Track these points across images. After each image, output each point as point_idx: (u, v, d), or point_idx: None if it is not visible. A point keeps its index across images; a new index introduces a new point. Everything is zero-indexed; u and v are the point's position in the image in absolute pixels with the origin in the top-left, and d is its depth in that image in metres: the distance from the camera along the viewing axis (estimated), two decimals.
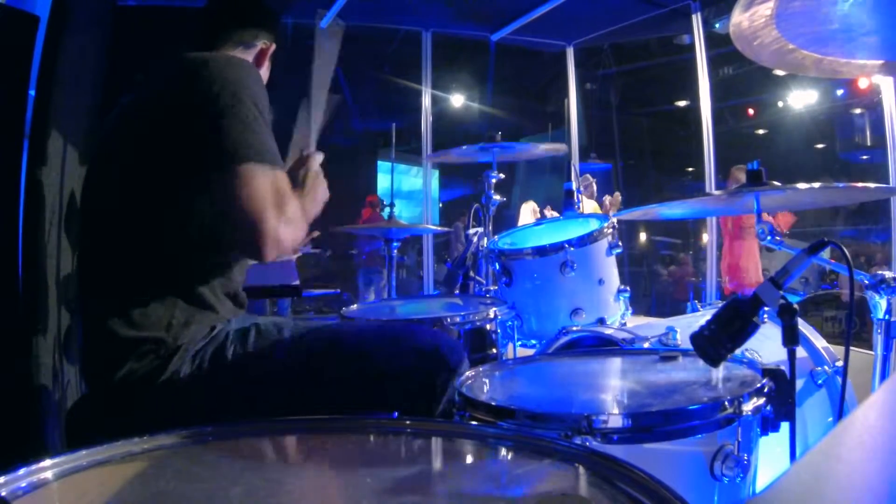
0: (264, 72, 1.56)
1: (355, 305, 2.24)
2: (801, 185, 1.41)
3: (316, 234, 8.37)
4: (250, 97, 1.26)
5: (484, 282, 2.69)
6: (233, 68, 1.29)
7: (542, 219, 4.98)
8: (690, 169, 11.96)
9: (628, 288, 2.21)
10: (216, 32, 1.49)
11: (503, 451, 0.88)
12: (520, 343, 2.24)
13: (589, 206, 5.61)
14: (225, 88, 1.24)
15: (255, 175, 1.21)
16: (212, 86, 1.24)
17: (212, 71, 1.26)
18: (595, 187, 6.29)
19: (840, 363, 1.70)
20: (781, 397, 1.09)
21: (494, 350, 1.90)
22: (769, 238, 1.45)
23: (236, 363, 1.29)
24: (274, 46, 1.56)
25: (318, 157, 1.57)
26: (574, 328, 1.93)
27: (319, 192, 1.53)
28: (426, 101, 6.02)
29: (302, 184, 1.49)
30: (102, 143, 1.44)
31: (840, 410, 1.38)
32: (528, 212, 6.19)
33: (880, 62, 1.09)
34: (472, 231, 2.72)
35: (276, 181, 1.25)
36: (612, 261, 2.19)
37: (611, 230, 2.16)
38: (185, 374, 1.26)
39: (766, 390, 1.08)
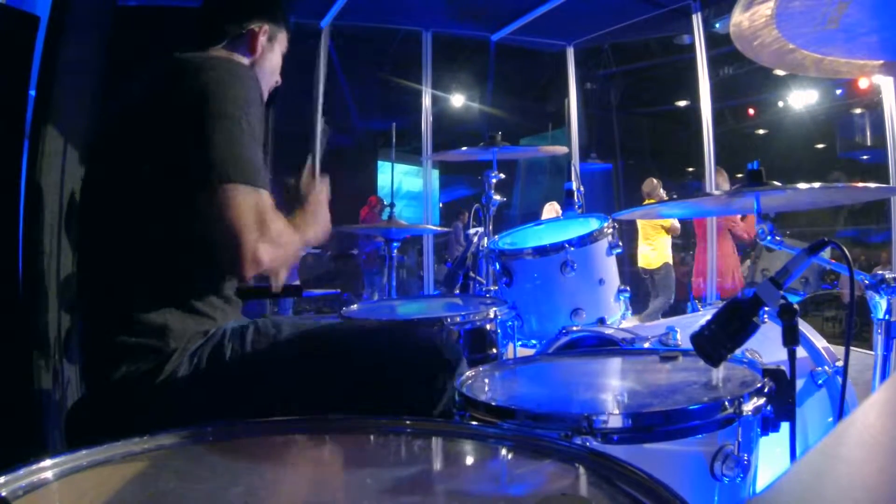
0: (268, 55, 1.53)
1: (355, 305, 2.24)
2: (801, 185, 1.41)
3: None
4: (241, 110, 1.23)
5: (484, 282, 2.69)
6: (226, 77, 1.26)
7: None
8: (690, 169, 11.96)
9: (628, 288, 2.21)
10: (210, 27, 1.46)
11: (503, 452, 0.88)
12: (520, 343, 2.24)
13: None
14: (215, 100, 1.22)
15: (237, 195, 1.20)
16: (201, 96, 1.22)
17: (202, 79, 1.24)
18: (662, 192, 6.36)
19: (840, 363, 1.70)
20: (782, 397, 1.09)
21: (494, 350, 1.90)
22: (769, 238, 1.44)
23: (234, 362, 1.29)
24: (267, 27, 1.51)
25: (325, 184, 1.55)
26: (574, 328, 1.93)
27: (321, 216, 1.51)
28: (426, 101, 6.02)
29: (303, 203, 1.47)
30: (95, 146, 1.43)
31: (840, 410, 1.38)
32: (551, 212, 6.26)
33: (880, 62, 1.09)
34: (472, 231, 2.72)
35: (259, 201, 1.23)
36: (613, 261, 2.19)
37: (611, 230, 2.16)
38: (182, 374, 1.26)
39: (766, 390, 1.08)
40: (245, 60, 1.49)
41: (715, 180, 5.46)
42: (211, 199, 1.20)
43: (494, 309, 1.90)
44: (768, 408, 1.07)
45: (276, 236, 1.27)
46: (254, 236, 1.21)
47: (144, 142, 1.27)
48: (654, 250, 6.46)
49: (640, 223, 6.50)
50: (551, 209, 6.36)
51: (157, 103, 1.28)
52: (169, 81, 1.28)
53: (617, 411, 1.04)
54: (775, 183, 1.40)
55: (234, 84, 1.26)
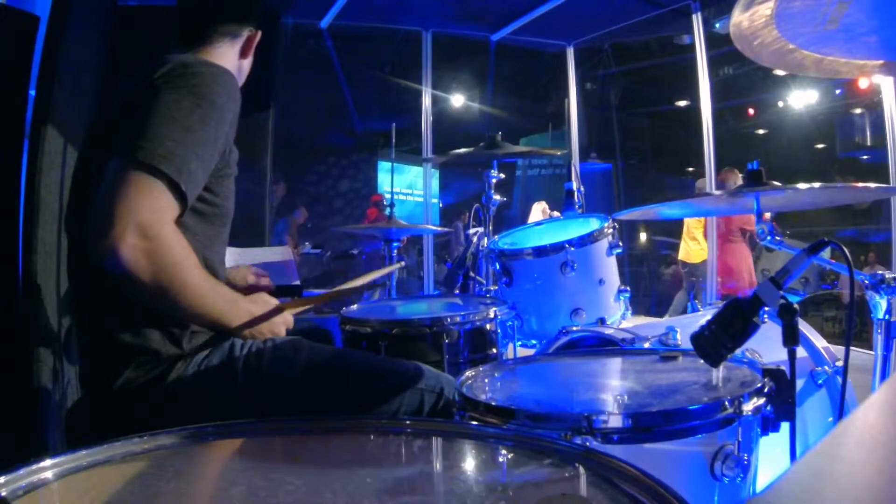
0: (250, 58, 1.54)
1: (355, 305, 2.24)
2: (801, 185, 1.41)
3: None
4: (207, 115, 1.21)
5: (484, 282, 2.69)
6: (213, 83, 1.25)
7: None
8: (690, 169, 11.96)
9: (628, 288, 2.21)
10: (204, 26, 1.45)
11: (503, 451, 0.88)
12: (520, 343, 2.24)
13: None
14: (180, 95, 1.20)
15: (139, 179, 1.12)
16: (169, 89, 1.20)
17: (180, 74, 1.23)
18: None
19: (840, 363, 1.69)
20: (782, 397, 1.09)
21: (494, 350, 1.90)
22: (769, 238, 1.45)
23: (245, 381, 1.28)
24: (259, 33, 1.53)
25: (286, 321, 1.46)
26: (574, 328, 1.93)
27: (268, 322, 1.37)
28: (426, 101, 6.02)
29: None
30: (83, 143, 1.42)
31: (840, 410, 1.38)
32: (538, 212, 6.24)
33: (880, 62, 1.09)
34: (472, 231, 2.72)
35: (162, 199, 1.14)
36: (613, 261, 2.19)
37: (611, 230, 2.16)
38: (188, 384, 1.25)
39: (766, 390, 1.08)
40: (235, 62, 1.49)
41: (728, 180, 5.47)
42: (113, 176, 1.13)
43: (494, 309, 1.90)
44: (768, 408, 1.07)
45: (159, 240, 1.13)
46: (127, 221, 1.10)
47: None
48: (700, 245, 6.46)
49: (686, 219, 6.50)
50: (538, 209, 6.35)
51: (132, 97, 1.26)
52: (149, 77, 1.26)
53: (617, 411, 1.03)
54: (775, 183, 1.40)
55: (220, 93, 1.25)
